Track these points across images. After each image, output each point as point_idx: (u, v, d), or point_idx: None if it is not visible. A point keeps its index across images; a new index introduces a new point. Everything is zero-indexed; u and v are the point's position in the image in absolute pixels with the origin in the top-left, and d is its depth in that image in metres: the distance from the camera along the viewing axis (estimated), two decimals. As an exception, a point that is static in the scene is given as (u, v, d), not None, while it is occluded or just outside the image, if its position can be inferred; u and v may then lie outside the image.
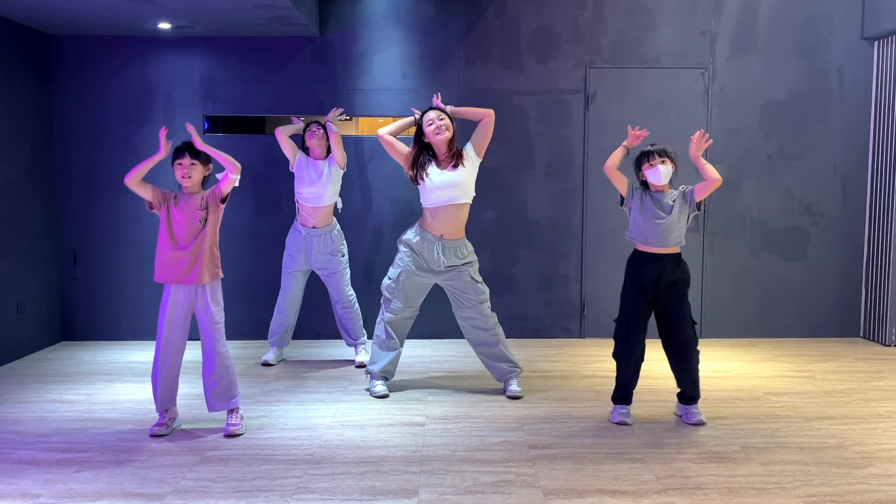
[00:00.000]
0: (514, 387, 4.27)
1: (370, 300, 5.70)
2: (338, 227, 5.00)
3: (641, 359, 3.83)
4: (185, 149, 3.56)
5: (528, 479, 3.08)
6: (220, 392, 3.65)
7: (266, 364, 4.96)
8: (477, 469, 3.20)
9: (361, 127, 5.93)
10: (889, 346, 5.55)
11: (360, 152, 5.67)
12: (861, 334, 5.86)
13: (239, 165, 3.60)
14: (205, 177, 3.65)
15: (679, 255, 3.77)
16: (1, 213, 4.99)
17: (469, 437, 3.59)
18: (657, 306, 3.77)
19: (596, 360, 5.12)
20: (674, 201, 3.72)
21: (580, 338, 5.80)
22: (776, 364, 5.04)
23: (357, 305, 5.07)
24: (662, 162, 3.67)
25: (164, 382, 3.63)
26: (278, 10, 4.78)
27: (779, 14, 5.67)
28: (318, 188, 4.84)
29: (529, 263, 5.75)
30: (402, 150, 4.23)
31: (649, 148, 3.73)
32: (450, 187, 4.08)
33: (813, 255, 5.81)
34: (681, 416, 3.88)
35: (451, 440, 3.55)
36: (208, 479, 3.08)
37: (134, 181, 3.54)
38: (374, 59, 5.64)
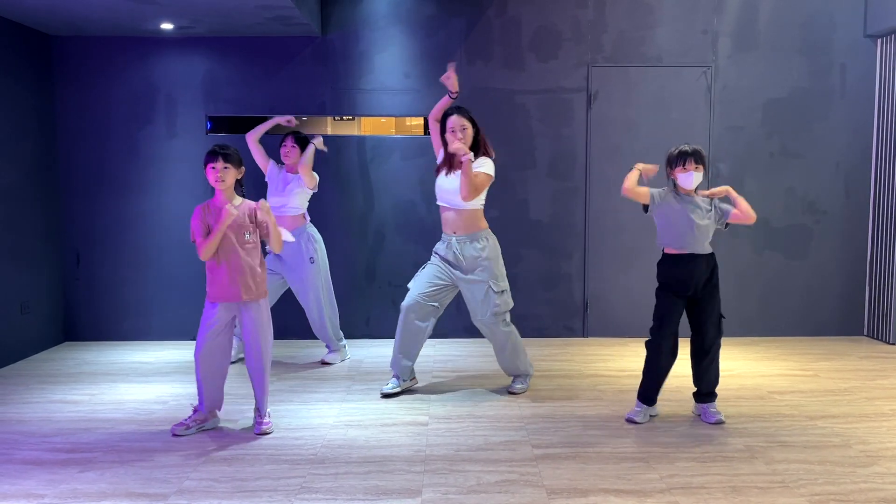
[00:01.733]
0: (517, 385, 4.35)
1: (372, 300, 5.71)
2: (308, 230, 4.91)
3: (672, 360, 3.82)
4: (217, 153, 3.57)
5: (531, 479, 3.08)
6: (263, 397, 3.72)
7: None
8: (480, 468, 3.19)
9: (364, 127, 5.93)
10: (893, 344, 5.54)
11: (363, 152, 5.67)
12: (865, 333, 5.85)
13: (281, 243, 3.70)
14: (237, 180, 3.66)
15: (712, 254, 3.78)
16: (3, 213, 4.99)
17: (472, 437, 3.59)
18: (691, 303, 3.77)
19: (599, 359, 5.12)
20: (709, 208, 3.73)
21: (583, 337, 5.80)
22: (779, 363, 5.03)
23: (327, 318, 4.99)
24: (696, 168, 3.68)
25: (209, 388, 3.67)
26: (280, 10, 4.78)
27: (781, 12, 5.66)
28: (282, 198, 4.82)
29: (532, 263, 5.75)
30: (439, 142, 4.27)
31: (685, 149, 3.70)
32: (452, 192, 4.12)
33: (816, 253, 5.80)
34: (699, 415, 3.88)
35: (454, 440, 3.55)
36: (212, 480, 3.08)
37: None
38: (376, 59, 5.64)
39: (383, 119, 5.81)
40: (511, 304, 4.27)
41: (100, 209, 5.65)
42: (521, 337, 5.69)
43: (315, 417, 3.89)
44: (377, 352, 5.33)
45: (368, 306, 5.73)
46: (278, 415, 3.91)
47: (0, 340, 4.94)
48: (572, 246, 5.75)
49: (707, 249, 3.75)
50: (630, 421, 3.80)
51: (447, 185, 4.14)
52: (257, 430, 3.65)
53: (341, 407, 4.07)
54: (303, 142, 4.86)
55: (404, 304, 4.22)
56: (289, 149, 4.84)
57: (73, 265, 5.69)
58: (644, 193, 3.77)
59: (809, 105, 5.72)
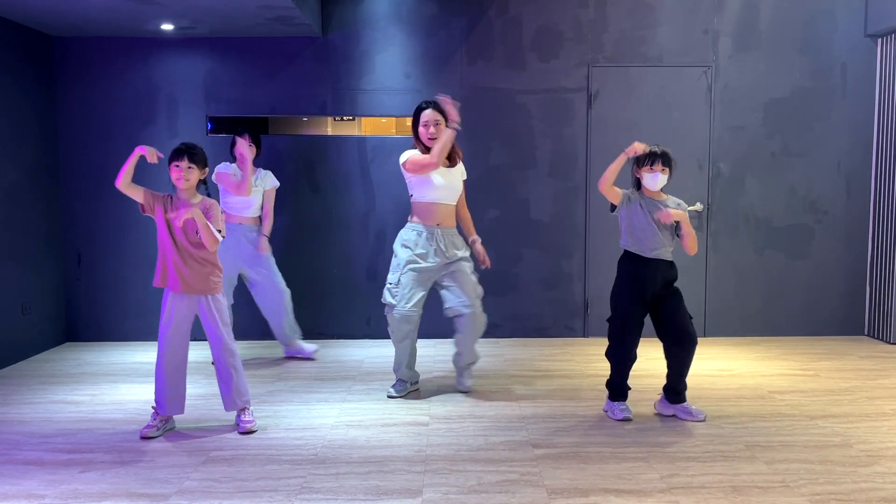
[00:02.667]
0: (467, 380, 4.39)
1: (373, 300, 5.70)
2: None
3: (635, 358, 3.86)
4: (183, 151, 3.55)
5: (532, 479, 3.08)
6: (233, 392, 3.69)
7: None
8: (481, 468, 3.19)
9: (364, 127, 5.93)
10: (894, 343, 5.53)
11: (363, 152, 5.68)
12: (865, 332, 5.84)
13: (218, 242, 3.58)
14: (201, 180, 3.65)
15: (672, 262, 3.81)
16: (5, 214, 5.00)
17: (473, 437, 3.59)
18: (654, 305, 3.79)
19: (600, 359, 5.10)
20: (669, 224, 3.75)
21: (584, 337, 5.80)
22: (780, 362, 5.03)
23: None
24: (662, 171, 3.71)
25: (169, 388, 3.64)
26: (280, 10, 4.78)
27: (781, 11, 5.66)
28: (243, 198, 4.83)
29: (533, 262, 5.75)
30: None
31: (655, 150, 3.72)
32: (447, 188, 4.15)
33: (817, 252, 5.80)
34: (674, 415, 3.88)
35: (454, 440, 3.55)
36: (212, 480, 3.09)
37: (124, 184, 3.52)
38: (377, 59, 5.64)
39: (384, 119, 5.82)
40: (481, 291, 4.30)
41: (101, 209, 5.65)
42: (522, 337, 5.75)
43: (316, 417, 3.89)
44: (378, 352, 5.33)
45: (369, 306, 5.73)
46: (278, 415, 3.92)
47: (1, 341, 4.94)
48: (573, 246, 5.75)
49: (668, 256, 3.77)
50: (626, 420, 3.80)
51: (448, 181, 4.15)
52: (241, 428, 3.64)
53: (342, 407, 4.07)
54: (257, 139, 4.91)
55: (409, 318, 4.14)
56: (247, 147, 4.78)
57: (74, 265, 5.70)
58: (617, 194, 3.80)
59: (810, 105, 5.72)
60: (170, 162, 3.57)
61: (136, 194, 3.56)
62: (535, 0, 5.62)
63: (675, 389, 3.85)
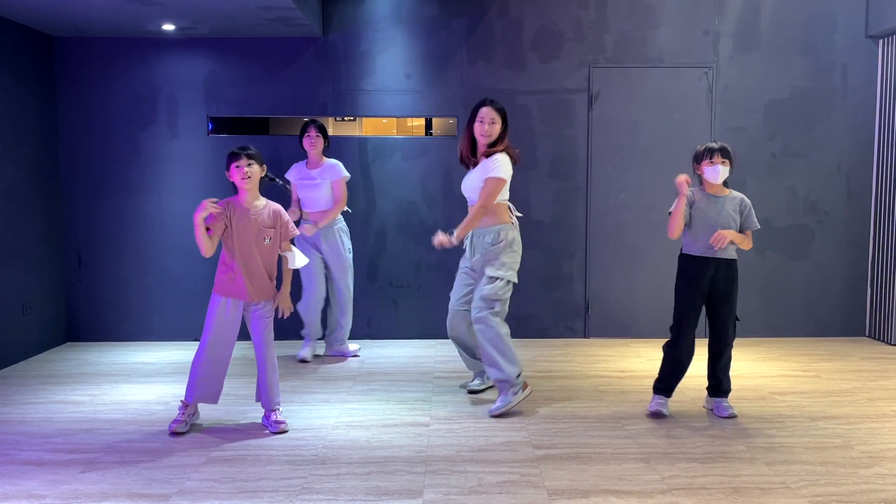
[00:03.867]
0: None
1: (373, 300, 5.71)
2: (341, 223, 5.11)
3: (692, 354, 3.87)
4: (238, 152, 3.58)
5: (532, 479, 3.08)
6: (269, 390, 3.73)
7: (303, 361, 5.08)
8: (481, 469, 3.19)
9: (365, 127, 5.93)
10: (894, 344, 5.53)
11: (364, 153, 5.68)
12: (866, 333, 5.84)
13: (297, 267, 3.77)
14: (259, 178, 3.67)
15: (733, 260, 3.85)
16: (6, 215, 5.00)
17: (473, 438, 3.59)
18: (710, 302, 3.84)
19: (600, 359, 5.11)
20: (735, 216, 3.79)
21: (584, 338, 5.80)
22: (781, 363, 5.03)
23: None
24: (723, 163, 3.73)
25: (206, 380, 3.67)
26: (281, 10, 4.78)
27: (782, 12, 5.66)
28: (311, 193, 4.95)
29: (533, 263, 5.75)
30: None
31: (713, 145, 3.76)
32: (470, 189, 4.10)
33: (817, 253, 5.80)
34: (711, 409, 3.95)
35: (455, 440, 3.55)
36: (213, 480, 3.09)
37: (209, 251, 3.53)
38: (377, 60, 5.64)
39: (384, 120, 5.81)
40: (501, 295, 3.99)
41: (101, 210, 5.66)
42: (523, 337, 5.73)
43: (316, 418, 3.89)
44: (379, 352, 5.33)
45: (370, 307, 5.73)
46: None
47: (2, 341, 4.94)
48: (574, 246, 5.75)
49: (727, 255, 3.81)
50: (656, 414, 3.84)
51: (468, 182, 4.15)
52: (274, 429, 3.67)
53: (342, 408, 4.07)
54: (324, 130, 4.99)
55: (451, 311, 4.19)
56: (313, 139, 4.93)
57: (74, 266, 5.70)
58: (685, 212, 3.78)
59: (811, 106, 5.71)
60: (228, 166, 3.58)
61: (217, 238, 3.57)
62: (535, 1, 5.62)
63: (710, 383, 3.92)
